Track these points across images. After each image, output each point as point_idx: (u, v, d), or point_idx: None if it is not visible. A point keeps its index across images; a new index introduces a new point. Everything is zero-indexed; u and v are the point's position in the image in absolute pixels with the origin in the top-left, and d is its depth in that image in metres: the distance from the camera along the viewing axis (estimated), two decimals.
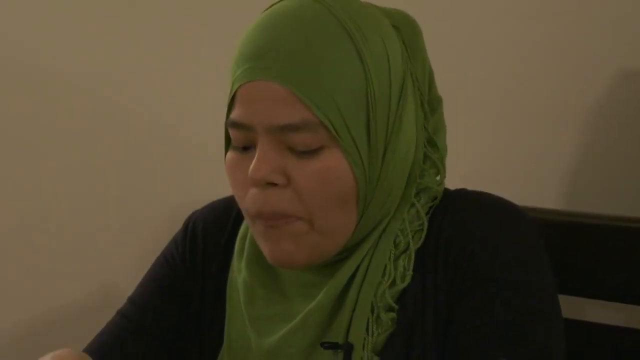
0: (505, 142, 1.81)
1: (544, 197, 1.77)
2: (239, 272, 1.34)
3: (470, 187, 1.30)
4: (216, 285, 1.38)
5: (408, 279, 1.23)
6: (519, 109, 1.80)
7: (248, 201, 1.21)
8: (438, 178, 1.29)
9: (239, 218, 1.39)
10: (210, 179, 1.76)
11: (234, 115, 1.20)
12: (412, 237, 1.25)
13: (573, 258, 1.47)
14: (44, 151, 2.28)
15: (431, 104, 1.31)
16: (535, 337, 1.19)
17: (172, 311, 1.40)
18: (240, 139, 1.20)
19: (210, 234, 1.41)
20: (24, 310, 2.35)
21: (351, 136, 1.18)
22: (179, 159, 2.15)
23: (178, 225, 1.46)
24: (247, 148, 1.21)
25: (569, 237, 1.48)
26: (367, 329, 1.23)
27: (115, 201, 2.24)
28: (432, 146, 1.30)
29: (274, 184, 1.18)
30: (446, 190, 1.29)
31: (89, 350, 1.42)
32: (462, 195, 1.28)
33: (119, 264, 2.23)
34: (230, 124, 1.20)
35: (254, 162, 1.18)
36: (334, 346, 1.23)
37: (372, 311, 1.23)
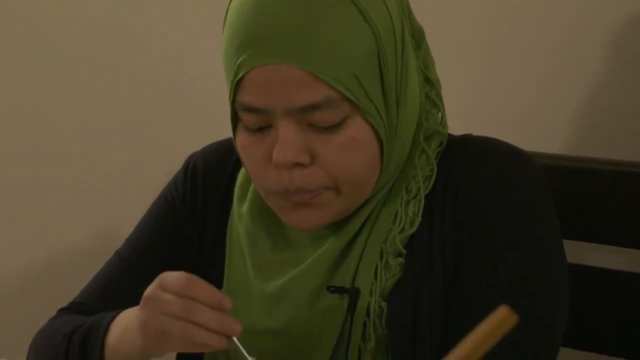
0: (509, 84, 1.80)
1: (549, 141, 1.77)
2: (240, 218, 1.33)
3: (474, 132, 1.29)
4: (215, 229, 1.38)
5: (417, 225, 1.23)
6: (525, 47, 1.79)
7: (272, 181, 1.20)
8: (440, 116, 1.28)
9: (238, 163, 1.38)
10: (209, 124, 1.75)
11: (248, 100, 1.16)
12: (422, 182, 1.25)
13: (577, 203, 1.47)
14: (46, 100, 2.27)
15: (415, 38, 1.28)
16: (539, 290, 1.20)
17: (170, 253, 1.39)
18: (254, 121, 1.18)
19: (209, 176, 1.40)
20: (29, 254, 2.36)
21: (370, 100, 1.17)
22: (178, 104, 2.15)
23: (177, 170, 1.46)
24: (262, 129, 1.19)
25: (573, 183, 1.48)
26: (375, 275, 1.23)
27: (115, 147, 2.23)
28: (427, 82, 1.29)
29: (299, 164, 1.18)
30: (452, 136, 1.29)
31: (86, 292, 1.42)
32: (469, 141, 1.27)
33: (120, 209, 2.23)
34: (244, 109, 1.17)
35: (277, 146, 1.16)
36: (340, 290, 1.24)
37: (381, 257, 1.23)
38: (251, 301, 1.31)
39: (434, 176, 1.25)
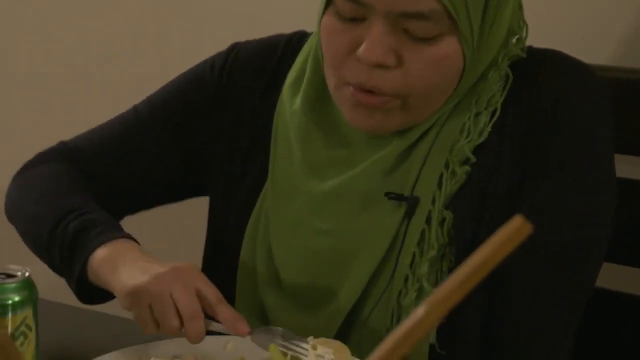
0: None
1: (612, 53, 1.73)
2: (292, 115, 1.33)
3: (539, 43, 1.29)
4: (254, 119, 1.37)
5: (485, 134, 1.24)
6: None
7: (349, 72, 1.21)
8: (524, 34, 1.29)
9: (282, 61, 1.37)
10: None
11: None
12: (493, 95, 1.26)
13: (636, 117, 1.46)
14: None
15: None
16: (587, 207, 1.24)
17: (193, 129, 1.40)
18: (349, 10, 1.20)
19: (250, 69, 1.40)
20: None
21: (470, 23, 1.19)
22: None
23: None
24: (354, 19, 1.20)
25: (635, 96, 1.47)
26: (439, 184, 1.24)
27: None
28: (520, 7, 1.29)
29: (383, 65, 1.19)
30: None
31: (87, 139, 1.43)
32: (540, 54, 1.28)
33: None
34: None
35: (368, 42, 1.18)
36: (399, 197, 1.24)
37: (447, 166, 1.24)
38: (297, 199, 1.31)
39: (506, 90, 1.26)
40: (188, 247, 1.50)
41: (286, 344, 1.17)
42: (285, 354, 1.16)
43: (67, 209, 1.32)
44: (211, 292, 1.19)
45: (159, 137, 1.41)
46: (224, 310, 1.18)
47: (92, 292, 1.29)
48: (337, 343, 1.20)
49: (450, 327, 1.22)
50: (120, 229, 1.31)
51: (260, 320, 1.33)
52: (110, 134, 1.44)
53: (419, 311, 0.64)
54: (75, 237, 1.28)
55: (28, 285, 1.10)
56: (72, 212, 1.32)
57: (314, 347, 1.17)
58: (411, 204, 1.24)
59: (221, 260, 1.37)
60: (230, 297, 1.34)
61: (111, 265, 1.23)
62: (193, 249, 1.48)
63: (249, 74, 1.40)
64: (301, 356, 1.16)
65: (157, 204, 1.48)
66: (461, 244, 1.22)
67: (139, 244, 1.28)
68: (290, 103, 1.34)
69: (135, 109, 1.44)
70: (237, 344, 1.21)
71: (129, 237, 1.28)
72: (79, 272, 1.27)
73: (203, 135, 1.40)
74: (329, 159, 1.30)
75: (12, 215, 1.44)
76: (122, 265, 1.22)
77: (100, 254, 1.25)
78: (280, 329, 1.21)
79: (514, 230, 0.61)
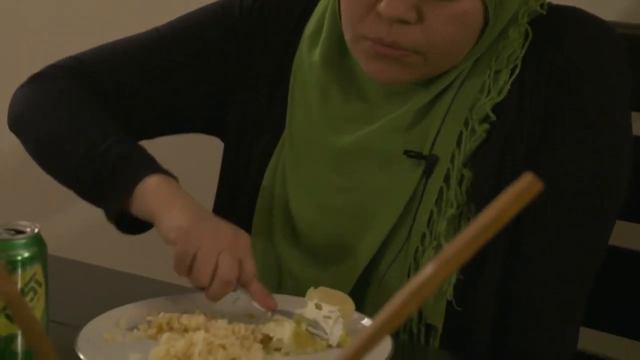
0: None
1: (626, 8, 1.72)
2: (310, 68, 1.32)
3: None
4: (276, 67, 1.36)
5: (505, 93, 1.24)
6: None
7: (368, 27, 1.21)
8: None
9: (306, 11, 1.36)
10: None
11: None
12: (513, 52, 1.26)
13: None
14: None
15: None
16: (608, 168, 1.25)
17: (216, 58, 1.38)
18: None
19: (276, 16, 1.38)
20: None
21: None
22: None
23: None
24: None
25: None
26: (458, 142, 1.24)
27: None
28: None
29: (404, 21, 1.19)
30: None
31: (99, 55, 1.40)
32: (559, 11, 1.28)
33: None
34: None
35: None
36: (418, 156, 1.24)
37: (466, 125, 1.24)
38: (315, 154, 1.31)
39: (526, 47, 1.25)
40: (197, 196, 1.48)
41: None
42: (300, 324, 1.16)
43: (103, 134, 1.29)
44: (251, 267, 1.20)
45: (180, 60, 1.38)
46: (257, 285, 1.21)
47: (123, 220, 1.28)
48: (340, 294, 1.20)
49: (468, 284, 1.22)
50: (160, 165, 1.29)
51: (275, 273, 1.33)
52: (128, 51, 1.40)
53: (428, 269, 0.64)
54: (120, 163, 1.26)
55: (37, 241, 1.10)
56: (109, 137, 1.28)
57: (318, 307, 1.17)
58: (430, 162, 1.25)
59: (235, 211, 1.37)
60: None
61: (167, 196, 1.22)
62: (202, 198, 1.47)
63: (277, 18, 1.38)
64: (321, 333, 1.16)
65: (169, 132, 1.45)
66: (480, 203, 1.22)
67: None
68: (309, 55, 1.33)
69: (157, 30, 1.40)
70: (245, 301, 1.21)
71: (171, 174, 1.27)
72: (123, 198, 1.25)
73: (226, 67, 1.38)
74: (347, 114, 1.30)
75: (21, 129, 1.38)
76: (178, 200, 1.22)
77: (154, 183, 1.23)
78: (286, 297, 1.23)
79: (523, 187, 0.61)
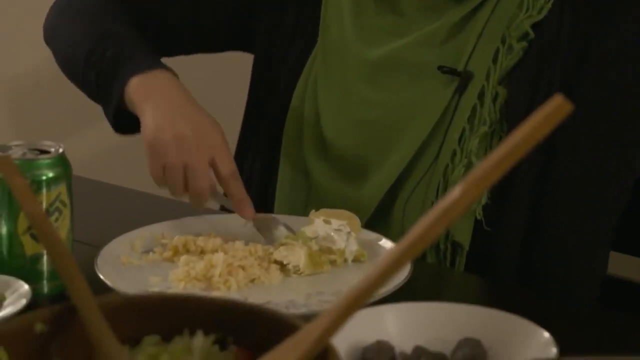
0: None
1: None
2: None
3: None
4: None
5: (545, 12, 1.23)
6: None
7: None
8: None
9: None
10: None
11: None
12: None
13: None
14: None
15: None
16: None
17: None
18: None
19: None
20: None
21: None
22: None
23: None
24: None
25: None
26: (494, 59, 1.22)
27: None
28: None
29: None
30: None
31: None
32: None
33: None
34: None
35: None
36: (452, 72, 1.23)
37: (503, 42, 1.22)
38: (348, 67, 1.30)
39: None
40: (225, 114, 1.48)
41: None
42: (311, 239, 1.16)
43: (104, 35, 1.30)
44: (226, 167, 1.19)
45: None
46: (234, 187, 1.20)
47: (131, 122, 1.28)
48: (344, 212, 1.20)
49: (497, 206, 1.22)
50: (158, 60, 1.29)
51: (304, 188, 1.33)
52: None
53: (455, 191, 0.64)
54: (112, 65, 1.27)
55: (62, 161, 1.10)
56: (108, 38, 1.30)
57: (327, 222, 1.17)
58: (464, 78, 1.24)
59: (265, 123, 1.36)
60: (273, 161, 1.34)
61: (143, 96, 1.22)
62: (232, 111, 1.46)
63: None
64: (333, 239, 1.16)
65: (197, 50, 1.45)
66: (513, 121, 1.22)
67: (177, 77, 1.27)
68: None
69: None
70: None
71: (166, 68, 1.27)
72: (117, 101, 1.26)
73: None
74: (380, 27, 1.29)
75: (49, 37, 1.42)
76: (152, 99, 1.22)
77: (135, 83, 1.24)
78: (281, 217, 1.23)
79: (554, 109, 0.60)
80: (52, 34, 1.41)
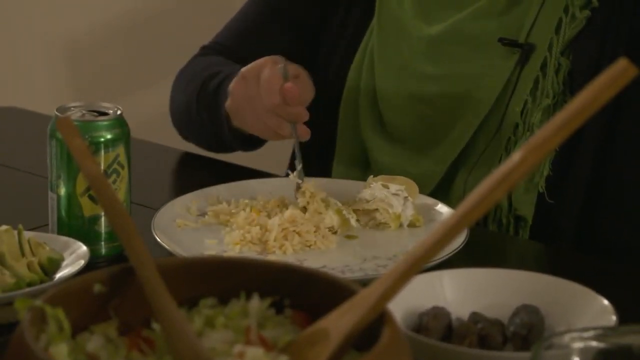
0: None
1: None
2: None
3: None
4: None
5: None
6: None
7: None
8: None
9: None
10: None
11: None
12: None
13: None
14: None
15: None
16: None
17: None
18: None
19: None
20: None
21: None
22: None
23: None
24: None
25: None
26: (556, 29, 1.21)
27: None
28: None
29: None
30: None
31: (228, 32, 1.42)
32: None
33: None
34: None
35: None
36: (513, 44, 1.22)
37: (566, 11, 1.21)
38: (406, 42, 1.29)
39: None
40: None
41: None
42: (340, 208, 1.16)
43: (207, 77, 1.33)
44: (291, 69, 1.22)
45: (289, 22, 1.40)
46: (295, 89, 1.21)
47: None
48: (402, 178, 1.19)
49: (558, 176, 1.21)
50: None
51: (362, 164, 1.32)
52: (244, 25, 1.42)
53: (515, 156, 0.63)
54: (214, 95, 1.30)
55: (120, 123, 1.11)
56: (212, 77, 1.32)
57: (385, 186, 1.17)
58: (526, 50, 1.22)
59: (321, 99, 1.36)
60: (331, 137, 1.33)
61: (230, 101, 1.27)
62: None
63: None
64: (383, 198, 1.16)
65: None
66: (577, 92, 1.19)
67: None
68: None
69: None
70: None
71: None
72: (227, 126, 1.29)
73: None
74: (438, 0, 1.27)
75: (171, 111, 1.43)
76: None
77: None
78: (339, 181, 1.23)
79: (618, 72, 0.59)
80: (171, 105, 1.43)
